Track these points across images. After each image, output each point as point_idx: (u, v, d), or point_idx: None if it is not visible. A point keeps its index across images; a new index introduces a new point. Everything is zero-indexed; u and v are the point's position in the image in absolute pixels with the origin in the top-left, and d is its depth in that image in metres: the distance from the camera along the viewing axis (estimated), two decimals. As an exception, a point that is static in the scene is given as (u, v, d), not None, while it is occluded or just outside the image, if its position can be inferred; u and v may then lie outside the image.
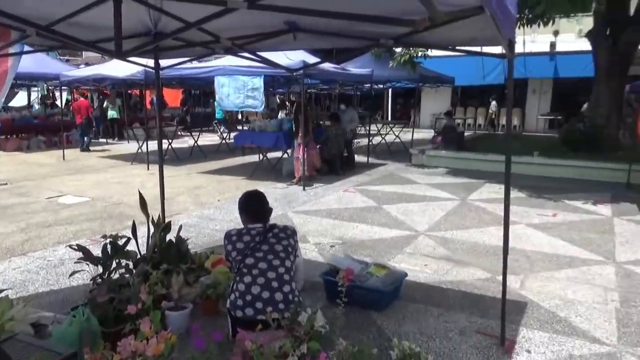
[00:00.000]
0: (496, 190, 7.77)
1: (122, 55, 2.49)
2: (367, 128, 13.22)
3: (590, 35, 10.49)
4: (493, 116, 19.62)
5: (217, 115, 17.60)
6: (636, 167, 8.01)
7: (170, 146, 11.42)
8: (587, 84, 11.30)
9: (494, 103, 19.72)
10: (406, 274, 3.86)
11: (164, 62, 4.89)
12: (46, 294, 3.87)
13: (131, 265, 3.68)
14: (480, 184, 8.46)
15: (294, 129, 8.74)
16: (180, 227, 4.26)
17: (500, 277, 3.09)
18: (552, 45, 17.18)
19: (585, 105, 13.16)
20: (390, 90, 21.36)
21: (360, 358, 1.84)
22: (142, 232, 4.11)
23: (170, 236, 4.08)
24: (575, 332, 3.27)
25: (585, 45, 10.90)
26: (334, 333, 2.35)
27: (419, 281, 4.12)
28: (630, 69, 10.38)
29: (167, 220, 4.38)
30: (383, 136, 14.28)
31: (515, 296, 3.82)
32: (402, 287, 3.84)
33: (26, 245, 5.06)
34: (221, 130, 15.16)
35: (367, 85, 12.20)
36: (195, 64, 9.42)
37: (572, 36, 16.89)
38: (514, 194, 7.57)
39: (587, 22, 12.06)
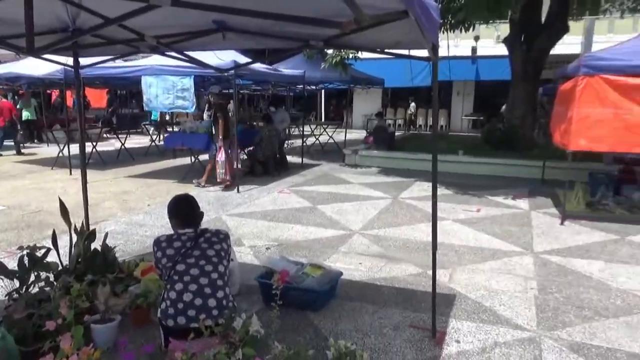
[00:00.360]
0: (425, 188, 8.08)
1: (34, 52, 2.30)
2: (301, 129, 13.27)
3: (506, 41, 11.17)
4: (413, 117, 20.51)
5: (153, 117, 16.96)
6: (549, 164, 8.63)
7: (94, 149, 10.82)
8: (505, 87, 12.02)
9: (412, 104, 20.66)
10: (341, 273, 3.91)
11: (84, 61, 4.63)
12: (-47, 314, 3.52)
13: (52, 278, 3.44)
14: (411, 182, 8.75)
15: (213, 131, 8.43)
16: (106, 234, 4.05)
17: (431, 272, 3.21)
18: (474, 49, 18.14)
19: (504, 107, 14.02)
20: (323, 91, 21.57)
21: (294, 359, 1.83)
22: (64, 241, 3.87)
23: (96, 244, 3.87)
24: (500, 320, 3.47)
25: (503, 50, 11.59)
26: (269, 337, 2.33)
27: (354, 279, 4.19)
28: (543, 73, 11.17)
29: (92, 227, 4.15)
30: (317, 137, 14.40)
31: (445, 289, 3.99)
32: (338, 286, 3.88)
33: None
34: (150, 132, 14.59)
35: (300, 86, 12.23)
36: (120, 63, 9.00)
37: (491, 42, 17.94)
38: (442, 191, 7.91)
39: (504, 28, 12.83)
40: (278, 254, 4.69)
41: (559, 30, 10.48)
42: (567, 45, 14.24)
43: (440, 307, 3.57)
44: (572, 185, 6.76)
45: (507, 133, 10.86)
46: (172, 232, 2.73)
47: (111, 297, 3.14)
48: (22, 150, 12.63)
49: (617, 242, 5.31)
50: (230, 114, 8.96)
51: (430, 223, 3.15)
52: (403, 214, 6.48)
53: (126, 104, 20.60)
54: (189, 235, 2.63)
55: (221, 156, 7.95)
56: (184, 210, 2.74)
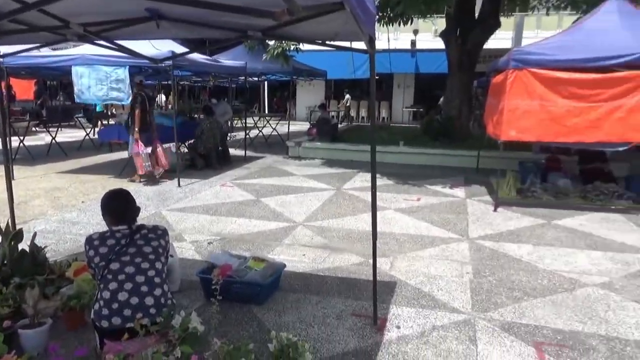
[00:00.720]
0: (368, 178, 8.22)
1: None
2: (244, 121, 13.11)
3: (443, 35, 11.54)
4: (349, 110, 20.79)
5: (98, 109, 16.18)
6: (483, 153, 9.05)
7: (22, 144, 10.15)
8: (443, 79, 12.45)
9: (347, 96, 20.99)
10: (285, 265, 3.92)
11: (5, 49, 4.32)
12: None
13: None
14: (354, 173, 8.88)
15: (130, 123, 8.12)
16: (35, 234, 3.82)
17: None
18: (413, 43, 18.61)
19: (442, 99, 14.51)
20: (265, 83, 21.39)
21: (236, 355, 1.82)
22: (-14, 243, 3.62)
23: (24, 245, 3.64)
24: (437, 304, 3.61)
25: (441, 44, 11.98)
26: (209, 333, 2.30)
27: (298, 271, 4.21)
28: (477, 66, 11.66)
29: (20, 227, 3.90)
30: (260, 129, 14.27)
31: (386, 277, 4.09)
32: (282, 278, 3.89)
33: None
34: (84, 124, 13.87)
35: (242, 77, 12.05)
36: (48, 52, 8.48)
37: (429, 35, 18.50)
38: (383, 181, 8.10)
39: (441, 22, 13.25)
40: (220, 249, 4.62)
41: (492, 25, 10.96)
42: (499, 40, 14.95)
43: (382, 295, 3.67)
44: (504, 173, 7.13)
45: (444, 124, 11.26)
46: (106, 229, 2.62)
47: (41, 300, 2.97)
48: None
49: (544, 226, 5.66)
50: (168, 104, 8.71)
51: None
52: (346, 204, 6.57)
53: (57, 96, 19.45)
54: (123, 232, 2.52)
55: (140, 149, 7.68)
56: (117, 206, 2.63)
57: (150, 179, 7.90)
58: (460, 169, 9.32)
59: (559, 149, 7.95)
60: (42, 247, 3.85)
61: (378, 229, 3.35)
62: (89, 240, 2.52)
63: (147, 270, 2.40)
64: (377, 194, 3.26)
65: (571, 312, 3.49)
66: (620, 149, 5.99)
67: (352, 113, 20.84)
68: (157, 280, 2.41)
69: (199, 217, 5.90)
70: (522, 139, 6.24)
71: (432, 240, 5.10)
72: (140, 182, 7.83)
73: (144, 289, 2.34)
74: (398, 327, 3.26)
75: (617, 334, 3.20)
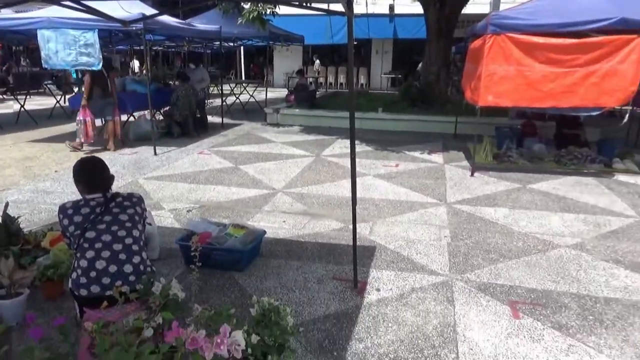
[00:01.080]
0: (347, 145, 8.21)
1: None
2: (220, 88, 12.84)
3: (421, -1, 11.37)
4: (317, 74, 20.34)
5: (73, 76, 15.60)
6: (461, 119, 9.10)
7: (-13, 112, 9.77)
8: (422, 45, 12.34)
9: (317, 62, 20.64)
10: (265, 232, 3.92)
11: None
12: None
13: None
14: (333, 140, 8.85)
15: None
16: (7, 204, 3.72)
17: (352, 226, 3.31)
18: (391, 7, 18.33)
19: (420, 65, 14.44)
20: (242, 48, 20.89)
21: (217, 320, 1.82)
22: (-45, 214, 3.51)
23: (-4, 216, 3.55)
24: (416, 267, 3.68)
25: (419, 8, 11.82)
26: (190, 299, 2.29)
27: (279, 237, 4.22)
28: (455, 32, 11.57)
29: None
30: (237, 96, 14.03)
31: (366, 242, 4.14)
32: (262, 244, 3.90)
33: None
34: (53, 92, 13.38)
35: (217, 42, 11.72)
36: (10, 13, 8.06)
37: (407, 0, 18.20)
38: (362, 147, 8.11)
39: (420, -14, 13.01)
40: (199, 216, 4.59)
41: (470, -11, 10.83)
42: (478, 4, 14.80)
43: (362, 259, 3.72)
44: (480, 139, 7.20)
45: (422, 90, 11.24)
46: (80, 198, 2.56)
47: (16, 270, 2.91)
48: None
49: (519, 190, 5.78)
50: (142, 71, 8.50)
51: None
52: (325, 171, 6.57)
53: (24, 62, 18.66)
54: (98, 200, 2.47)
55: (81, 116, 7.59)
56: (90, 174, 2.56)
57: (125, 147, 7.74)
58: (438, 135, 9.38)
59: (535, 115, 8.05)
60: (16, 217, 3.75)
61: (357, 195, 3.37)
62: (63, 209, 2.46)
63: (124, 238, 2.37)
64: (356, 160, 3.25)
65: (544, 272, 3.60)
66: (594, 113, 6.09)
67: (321, 80, 20.45)
68: (135, 247, 2.38)
69: (177, 185, 5.83)
70: (499, 104, 6.28)
71: (411, 205, 5.16)
72: (81, 150, 7.70)
73: (122, 256, 2.32)
74: (378, 290, 3.32)
75: (588, 292, 3.32)
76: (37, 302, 3.05)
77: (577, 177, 6.36)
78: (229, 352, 1.45)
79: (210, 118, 10.50)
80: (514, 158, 6.90)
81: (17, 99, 11.37)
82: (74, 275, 2.33)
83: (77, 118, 7.64)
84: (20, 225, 3.75)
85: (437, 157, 7.53)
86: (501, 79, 6.06)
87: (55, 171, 6.42)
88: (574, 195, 5.59)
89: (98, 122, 7.93)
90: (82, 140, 7.62)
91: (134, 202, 2.59)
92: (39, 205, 4.98)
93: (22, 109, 10.74)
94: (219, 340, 1.41)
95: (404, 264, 3.74)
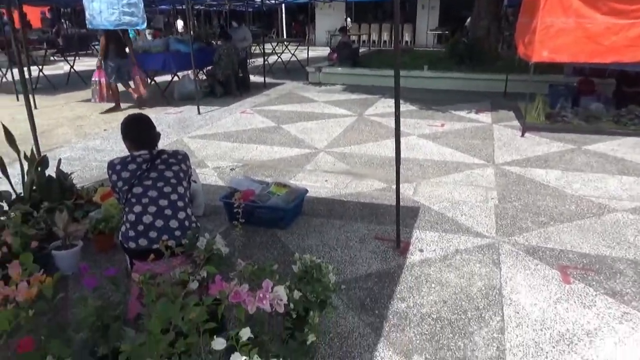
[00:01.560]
0: (390, 104, 8.01)
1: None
2: (262, 47, 12.73)
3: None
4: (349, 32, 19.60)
5: (130, 35, 15.91)
6: (512, 77, 8.65)
7: (41, 73, 10.11)
8: (470, -1, 11.69)
9: (348, 19, 19.86)
10: (307, 191, 3.91)
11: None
12: None
13: (6, 207, 3.29)
14: (376, 99, 8.65)
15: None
16: (59, 160, 3.86)
17: (395, 186, 3.23)
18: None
19: (468, 20, 13.72)
20: (283, 6, 20.53)
21: (260, 275, 1.83)
22: (17, 170, 3.68)
23: (51, 172, 3.69)
24: (461, 229, 3.59)
25: (470, -43, 11.13)
26: (234, 255, 2.32)
27: (321, 196, 4.21)
28: (509, -18, 10.88)
29: (47, 155, 3.93)
30: (279, 55, 13.88)
31: (409, 202, 4.06)
32: (304, 203, 3.90)
33: None
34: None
35: (259, 1, 11.53)
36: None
37: (457, -51, 17.19)
38: (406, 107, 7.89)
39: None
40: (242, 175, 4.63)
41: None
42: (535, -48, 13.77)
43: (405, 219, 3.66)
44: (533, 97, 6.82)
45: (471, 46, 10.72)
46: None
47: (70, 223, 3.05)
48: None
49: (573, 152, 5.48)
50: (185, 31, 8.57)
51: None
52: (368, 131, 6.45)
53: (73, 24, 19.10)
54: (144, 157, 2.50)
55: (96, 76, 7.77)
56: (137, 131, 2.59)
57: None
58: (486, 94, 8.98)
59: (593, 71, 7.55)
60: (69, 173, 3.91)
61: (402, 155, 3.27)
62: (111, 165, 2.51)
63: (169, 194, 2.40)
64: (400, 119, 3.14)
65: (599, 237, 3.43)
66: (661, 69, 5.62)
67: (364, 38, 19.75)
68: (180, 204, 2.41)
69: (220, 144, 5.88)
70: (554, 59, 5.89)
71: (457, 166, 5.00)
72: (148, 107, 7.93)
73: (168, 212, 2.35)
74: (421, 251, 3.27)
75: (645, 258, 3.15)
76: (90, 254, 3.19)
77: (637, 138, 5.96)
78: (272, 306, 1.45)
79: (252, 77, 10.46)
80: (568, 118, 6.52)
81: (67, 60, 11.70)
82: (123, 228, 2.39)
83: (92, 79, 7.87)
84: (73, 181, 3.91)
85: (485, 117, 7.23)
86: (558, 32, 5.66)
87: (105, 130, 6.61)
88: (633, 157, 5.25)
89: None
90: (96, 100, 7.83)
91: (179, 159, 2.61)
92: (90, 163, 5.17)
93: (72, 70, 11.05)
94: (261, 295, 1.42)
95: (449, 225, 3.65)
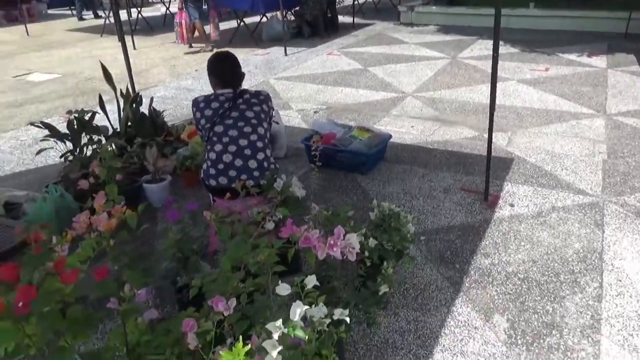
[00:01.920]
0: (488, 46, 7.35)
1: None
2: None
3: None
4: None
5: None
6: (636, 15, 7.52)
7: (140, 15, 10.54)
8: None
9: None
10: (391, 136, 3.74)
11: None
12: (23, 174, 3.77)
13: (104, 141, 3.52)
14: (472, 40, 8.00)
15: None
16: (152, 98, 4.02)
17: (487, 134, 2.97)
18: None
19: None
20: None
21: (334, 220, 1.77)
22: (115, 107, 3.89)
23: (145, 110, 3.86)
24: (560, 184, 3.26)
25: None
26: (310, 198, 2.27)
27: (405, 142, 4.02)
28: None
29: (141, 93, 4.11)
30: (370, -7, 13.22)
31: (502, 153, 3.76)
32: (387, 149, 3.75)
33: (-4, 126, 4.84)
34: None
35: None
36: None
37: None
38: (506, 49, 7.21)
39: None
40: (326, 118, 4.54)
41: None
42: None
43: (496, 171, 3.40)
44: (661, 38, 5.89)
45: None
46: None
47: (159, 158, 3.18)
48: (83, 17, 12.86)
49: None
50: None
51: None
52: (461, 74, 6.01)
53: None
54: (227, 95, 2.49)
55: (177, 18, 7.92)
56: (222, 68, 2.57)
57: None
58: (602, 35, 7.92)
59: None
60: (161, 111, 4.06)
61: (497, 102, 2.98)
62: (195, 102, 2.53)
63: (249, 135, 2.38)
64: (499, 62, 2.82)
65: None
66: None
67: None
68: (259, 144, 2.39)
69: (306, 86, 5.81)
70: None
71: (560, 115, 4.51)
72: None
73: (247, 152, 2.35)
74: (512, 205, 3.03)
75: None
76: (178, 189, 3.34)
77: None
78: (343, 254, 1.39)
79: (340, 18, 10.10)
80: None
81: (163, 2, 12.06)
82: (204, 166, 2.44)
83: (175, 20, 8.09)
84: (165, 119, 4.07)
85: (599, 61, 6.41)
86: None
87: (196, 70, 6.79)
88: None
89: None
90: (179, 42, 8.01)
91: (261, 99, 2.57)
92: (181, 102, 5.36)
93: (167, 11, 11.40)
94: (332, 242, 1.35)
95: (546, 180, 3.33)
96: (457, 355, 1.92)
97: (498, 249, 2.60)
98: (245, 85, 2.66)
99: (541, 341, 1.98)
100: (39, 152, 3.34)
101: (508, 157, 3.70)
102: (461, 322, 2.10)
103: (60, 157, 3.26)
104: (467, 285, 2.33)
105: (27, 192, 2.94)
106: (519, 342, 1.99)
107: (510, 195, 3.14)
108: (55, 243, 1.41)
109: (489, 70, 2.77)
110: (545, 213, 2.93)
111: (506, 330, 2.05)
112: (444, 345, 1.98)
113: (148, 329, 1.44)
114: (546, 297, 2.23)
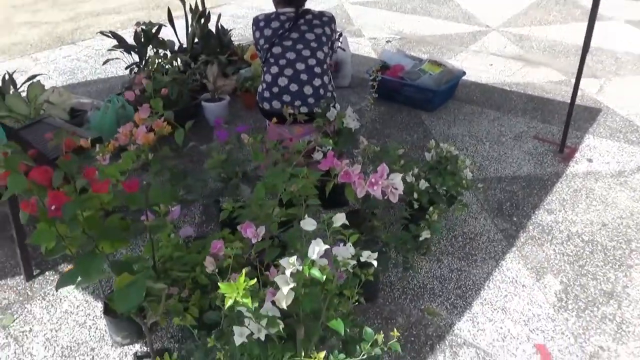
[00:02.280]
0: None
1: None
2: None
3: None
4: None
5: None
6: None
7: None
8: None
9: None
10: (464, 73, 3.45)
11: None
12: (94, 83, 3.91)
13: (170, 55, 3.53)
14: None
15: None
16: (219, 15, 3.93)
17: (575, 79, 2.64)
18: None
19: None
20: None
21: (382, 157, 1.66)
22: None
23: (213, 27, 3.80)
24: (651, 143, 2.90)
25: None
26: (364, 130, 2.15)
27: (480, 81, 3.72)
28: None
29: (214, 10, 4.04)
30: None
31: (590, 102, 3.38)
32: (458, 86, 3.48)
33: (75, 34, 5.01)
34: None
35: None
36: None
37: None
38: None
39: None
40: (396, 48, 4.27)
41: None
42: None
43: (578, 121, 3.07)
44: None
45: None
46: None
47: (220, 77, 3.15)
48: None
49: None
50: None
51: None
52: (557, 10, 5.37)
53: None
54: (288, 15, 2.35)
55: None
56: (285, -16, 2.41)
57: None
58: None
59: None
60: (228, 30, 3.98)
61: (593, 44, 2.62)
62: (255, 21, 2.43)
63: (307, 59, 2.25)
64: (605, -9, 2.43)
65: None
66: None
67: None
68: (317, 70, 2.27)
69: (381, 12, 5.46)
70: None
71: (668, 64, 3.95)
72: None
73: (304, 77, 2.23)
74: (590, 160, 2.74)
75: None
76: (237, 109, 3.32)
77: None
78: (384, 193, 1.30)
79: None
80: None
81: None
82: (260, 88, 2.37)
83: None
84: (232, 38, 3.99)
85: None
86: None
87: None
88: None
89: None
90: None
91: (324, 21, 2.40)
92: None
93: None
94: (373, 180, 1.26)
95: (636, 137, 2.97)
96: (498, 311, 1.83)
97: (565, 206, 2.39)
98: (318, 7, 2.49)
99: (595, 309, 1.83)
100: (105, 62, 3.42)
101: (596, 106, 3.32)
102: (508, 278, 1.98)
103: (126, 68, 3.32)
104: (522, 240, 2.18)
105: (92, 100, 3.04)
106: (570, 306, 1.85)
107: (589, 150, 2.84)
108: (98, 151, 1.43)
109: (590, 6, 2.41)
110: (628, 173, 2.63)
111: (557, 293, 1.91)
112: (485, 299, 1.88)
113: (183, 246, 1.46)
114: (610, 264, 2.04)
